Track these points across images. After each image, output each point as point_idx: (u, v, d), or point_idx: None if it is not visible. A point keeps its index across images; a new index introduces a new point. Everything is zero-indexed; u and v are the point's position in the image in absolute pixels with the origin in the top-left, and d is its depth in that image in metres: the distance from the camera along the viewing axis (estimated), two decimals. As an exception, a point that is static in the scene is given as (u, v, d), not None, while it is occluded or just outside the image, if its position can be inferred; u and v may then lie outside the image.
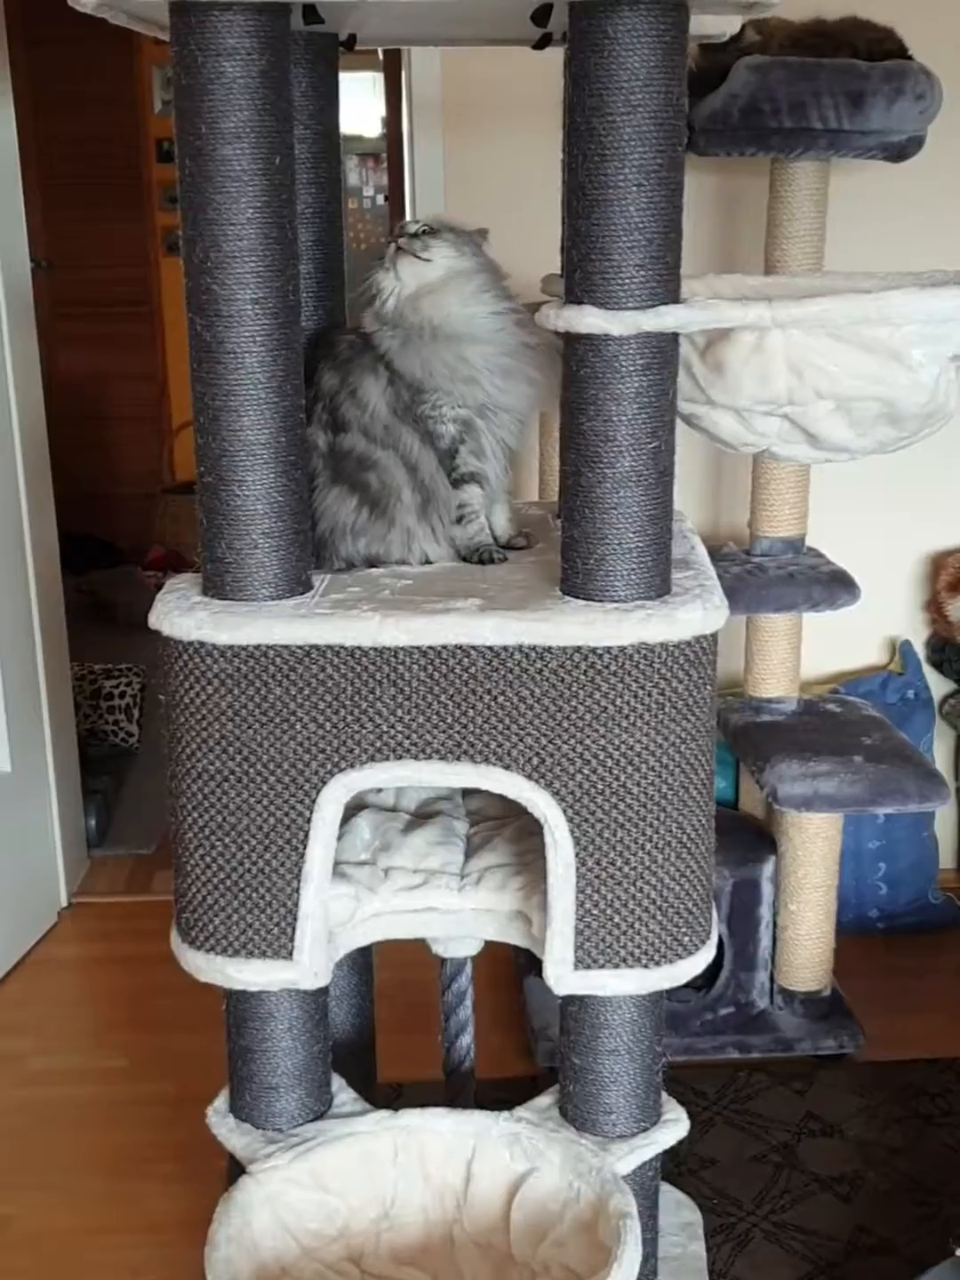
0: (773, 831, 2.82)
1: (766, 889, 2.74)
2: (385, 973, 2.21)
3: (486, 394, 1.74)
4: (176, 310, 6.18)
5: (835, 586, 2.72)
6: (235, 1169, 2.46)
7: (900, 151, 2.59)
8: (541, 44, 1.88)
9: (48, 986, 3.10)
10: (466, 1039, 2.03)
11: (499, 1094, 2.28)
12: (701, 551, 1.82)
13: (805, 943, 2.77)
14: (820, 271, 2.44)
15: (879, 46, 2.56)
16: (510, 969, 3.04)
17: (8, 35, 3.05)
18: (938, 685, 3.31)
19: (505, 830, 1.89)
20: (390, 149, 6.20)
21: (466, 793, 2.01)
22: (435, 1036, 2.72)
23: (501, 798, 1.93)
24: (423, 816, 1.95)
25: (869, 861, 3.12)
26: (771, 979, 2.80)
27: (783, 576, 2.72)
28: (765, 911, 2.75)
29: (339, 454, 1.74)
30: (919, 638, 3.32)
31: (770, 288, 1.90)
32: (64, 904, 3.41)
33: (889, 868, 3.15)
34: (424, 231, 1.76)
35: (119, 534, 6.25)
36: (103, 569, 5.83)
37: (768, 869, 2.74)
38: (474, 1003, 2.84)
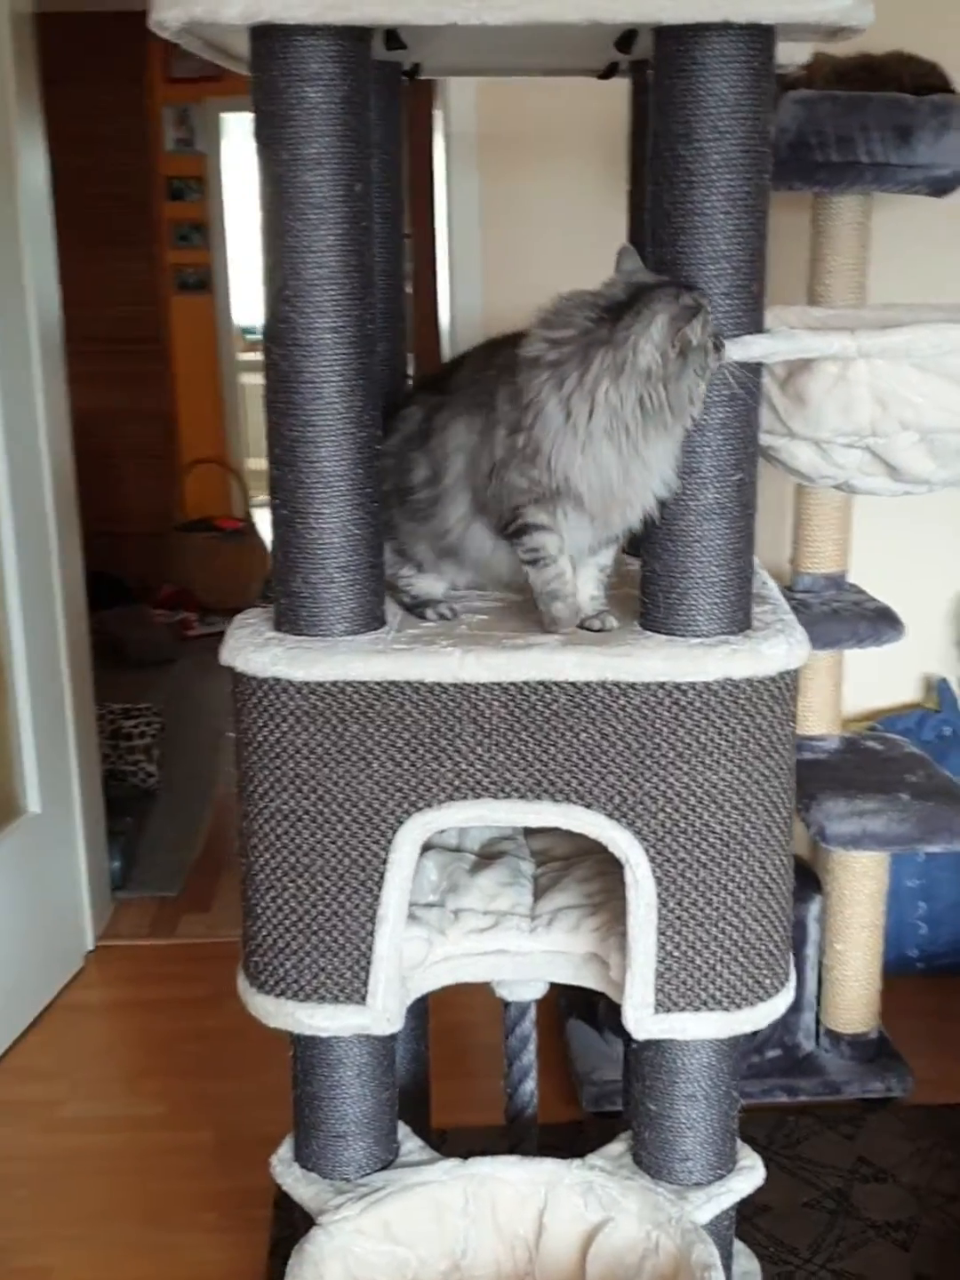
0: (818, 871, 2.78)
1: (813, 929, 2.70)
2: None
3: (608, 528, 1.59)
4: (187, 348, 6.18)
5: (880, 623, 2.69)
6: (280, 1219, 2.41)
7: (944, 186, 2.58)
8: (607, 74, 1.87)
9: (77, 1032, 3.04)
10: (530, 1084, 1.99)
11: (547, 1139, 2.24)
12: (773, 585, 1.79)
13: (852, 984, 2.72)
14: (883, 304, 2.41)
15: (924, 81, 2.55)
16: (551, 1012, 2.99)
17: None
18: (974, 723, 3.28)
19: (575, 870, 1.85)
20: (414, 183, 6.18)
21: (529, 832, 1.98)
22: (479, 1081, 2.68)
23: (567, 837, 1.91)
24: (487, 857, 1.91)
25: (909, 901, 3.08)
26: (817, 1021, 2.76)
27: (827, 613, 2.69)
28: (811, 952, 2.71)
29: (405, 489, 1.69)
30: (954, 675, 3.29)
31: (838, 319, 1.88)
32: (90, 947, 3.36)
33: (929, 907, 3.11)
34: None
35: (129, 572, 6.22)
36: (113, 607, 5.79)
37: (814, 909, 2.70)
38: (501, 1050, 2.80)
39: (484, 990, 1.92)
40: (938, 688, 3.25)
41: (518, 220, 2.99)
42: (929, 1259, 2.30)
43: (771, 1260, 2.30)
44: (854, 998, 2.73)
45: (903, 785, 2.67)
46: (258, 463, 8.27)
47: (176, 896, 3.62)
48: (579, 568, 1.64)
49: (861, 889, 2.68)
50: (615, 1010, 2.73)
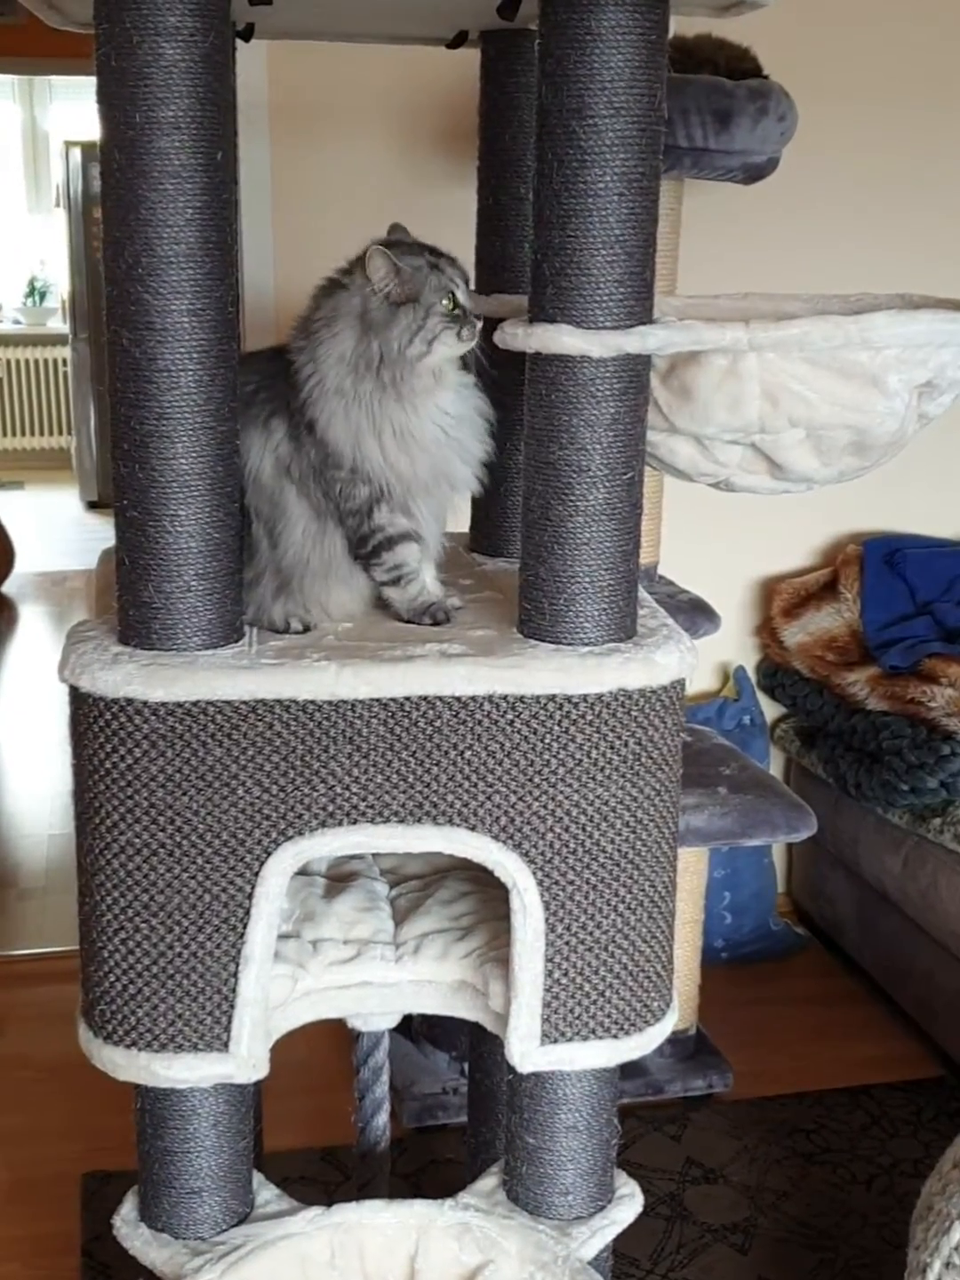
0: (636, 868, 2.73)
1: (633, 928, 2.65)
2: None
3: (418, 479, 1.54)
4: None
5: (696, 615, 2.65)
6: (89, 1267, 2.24)
7: (759, 172, 2.55)
8: (455, 43, 1.76)
9: None
10: (382, 1118, 1.87)
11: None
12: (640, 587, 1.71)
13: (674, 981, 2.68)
14: (740, 293, 2.35)
15: (738, 65, 2.52)
16: (357, 1023, 2.87)
17: None
18: (769, 710, 3.29)
19: (436, 891, 1.74)
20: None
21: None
22: (280, 1102, 2.53)
23: (420, 854, 1.79)
24: (338, 879, 1.78)
25: (714, 891, 3.06)
26: (638, 1020, 2.71)
27: (643, 605, 2.64)
28: (632, 951, 2.66)
29: None
30: (749, 663, 3.30)
31: (696, 307, 1.81)
32: None
33: (733, 897, 3.11)
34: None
35: None
36: None
37: (634, 907, 2.65)
38: (315, 1066, 2.68)
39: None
40: (735, 676, 3.25)
41: (312, 195, 2.84)
42: (769, 1262, 2.28)
43: (613, 1274, 2.23)
44: (675, 995, 2.69)
45: (719, 779, 2.63)
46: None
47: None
48: (426, 559, 1.60)
49: (682, 885, 2.63)
50: (432, 1022, 2.65)
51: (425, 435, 1.53)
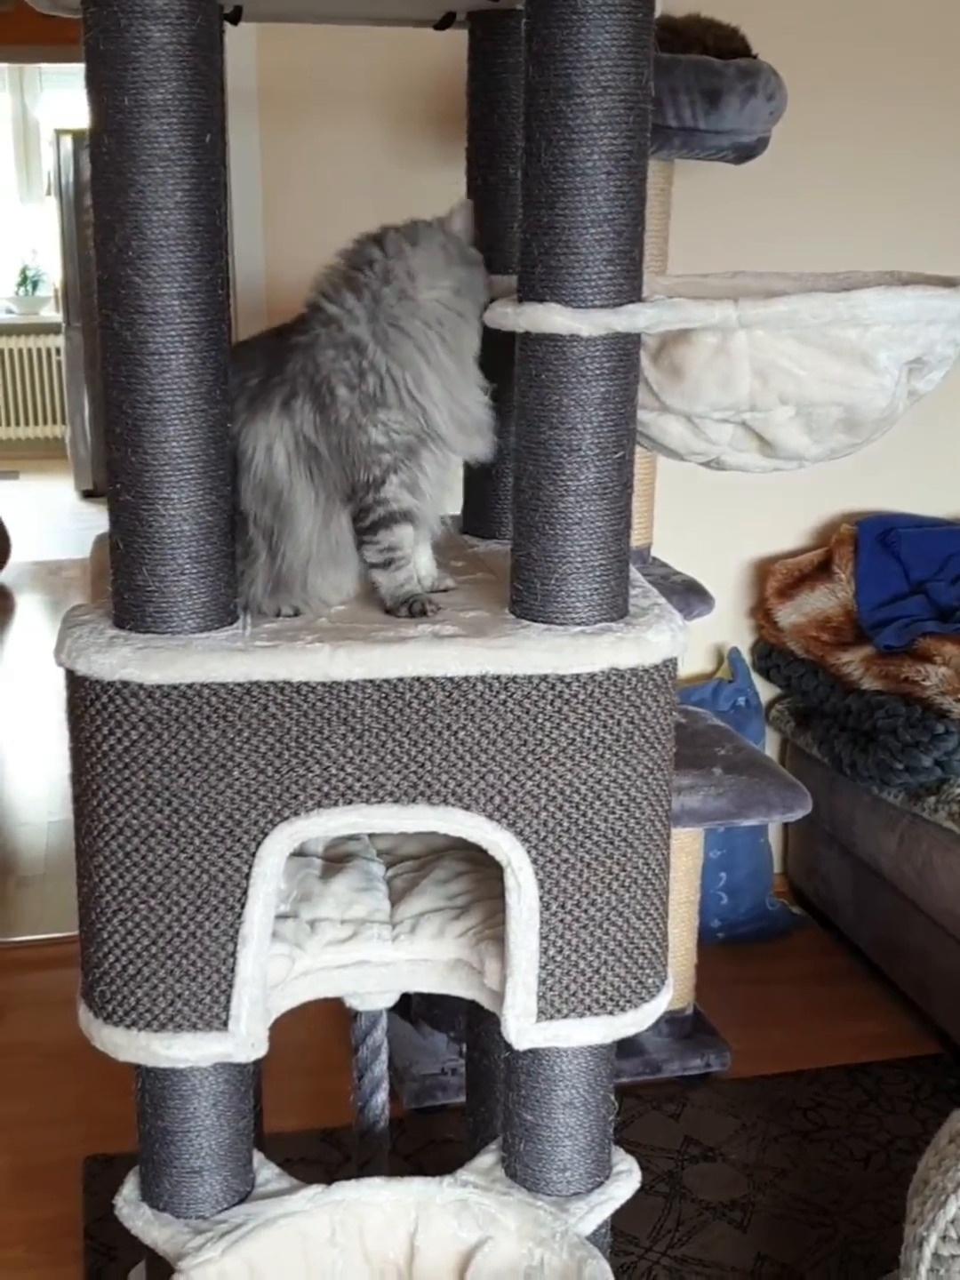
0: (632, 849, 2.74)
1: (630, 908, 2.66)
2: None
3: (466, 418, 1.55)
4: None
5: (690, 597, 2.66)
6: (92, 1249, 2.25)
7: (748, 152, 2.55)
8: (442, 24, 1.76)
9: None
10: (381, 1097, 1.88)
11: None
12: (633, 566, 1.72)
13: (670, 960, 2.69)
14: (730, 272, 2.35)
15: (726, 45, 2.52)
16: (356, 1005, 2.88)
17: None
18: (764, 690, 3.30)
19: (432, 872, 1.75)
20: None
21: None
22: (278, 1083, 2.56)
23: (415, 835, 1.81)
24: (334, 861, 1.79)
25: (710, 872, 3.07)
26: (635, 1000, 2.72)
27: (637, 587, 2.64)
28: (629, 931, 2.68)
29: None
30: (744, 644, 3.31)
31: (685, 286, 1.82)
32: None
33: (730, 877, 3.12)
34: None
35: None
36: None
37: (631, 888, 2.66)
38: (315, 1047, 2.69)
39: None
40: (730, 657, 3.26)
41: (302, 178, 2.84)
42: (767, 1239, 2.29)
43: (612, 1251, 2.25)
44: (672, 975, 2.70)
45: (714, 759, 2.64)
46: None
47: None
48: (421, 542, 1.60)
49: (679, 865, 2.65)
50: (431, 1003, 2.66)
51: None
